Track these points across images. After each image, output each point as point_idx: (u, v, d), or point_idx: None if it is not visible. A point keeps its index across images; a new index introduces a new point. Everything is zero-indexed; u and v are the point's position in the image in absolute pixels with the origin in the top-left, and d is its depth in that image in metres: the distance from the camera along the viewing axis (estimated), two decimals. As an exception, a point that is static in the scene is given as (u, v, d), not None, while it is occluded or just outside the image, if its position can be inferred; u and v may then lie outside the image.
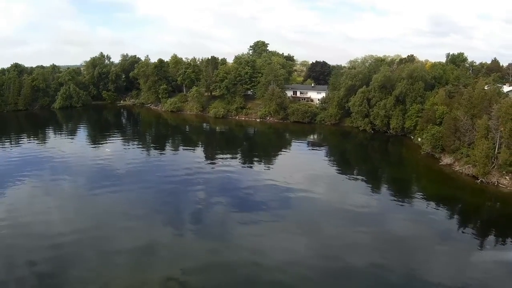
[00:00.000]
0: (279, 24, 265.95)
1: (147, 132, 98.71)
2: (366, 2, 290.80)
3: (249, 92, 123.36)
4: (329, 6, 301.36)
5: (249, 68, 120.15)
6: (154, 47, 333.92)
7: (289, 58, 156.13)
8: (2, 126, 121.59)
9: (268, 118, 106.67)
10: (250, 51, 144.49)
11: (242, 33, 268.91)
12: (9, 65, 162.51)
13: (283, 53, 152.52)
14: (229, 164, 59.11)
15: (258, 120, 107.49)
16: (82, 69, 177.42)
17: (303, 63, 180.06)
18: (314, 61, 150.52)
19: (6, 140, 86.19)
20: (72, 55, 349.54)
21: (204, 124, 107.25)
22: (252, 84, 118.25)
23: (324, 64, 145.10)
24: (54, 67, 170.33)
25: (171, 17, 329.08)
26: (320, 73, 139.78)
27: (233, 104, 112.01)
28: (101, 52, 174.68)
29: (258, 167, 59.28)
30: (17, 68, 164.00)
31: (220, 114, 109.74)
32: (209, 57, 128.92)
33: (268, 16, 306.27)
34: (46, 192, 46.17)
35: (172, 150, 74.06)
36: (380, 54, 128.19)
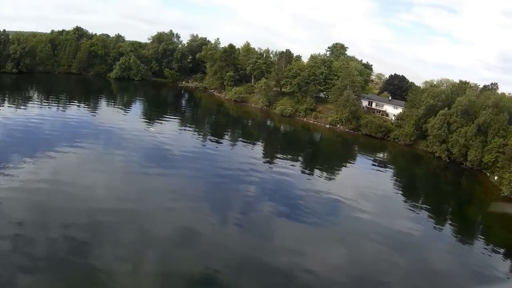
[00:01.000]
0: (355, 36, 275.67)
1: (206, 119, 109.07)
2: (442, 27, 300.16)
3: (321, 94, 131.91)
4: (404, 25, 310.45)
5: (325, 68, 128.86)
6: (224, 37, 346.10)
7: (367, 66, 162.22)
8: (54, 86, 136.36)
9: (338, 126, 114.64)
10: (328, 53, 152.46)
11: (316, 37, 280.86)
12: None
13: (361, 60, 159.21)
14: (287, 167, 62.55)
15: (327, 126, 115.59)
16: (147, 40, 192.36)
17: (379, 76, 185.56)
18: (392, 74, 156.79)
19: (55, 102, 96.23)
20: (140, 31, 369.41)
21: (268, 121, 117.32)
22: (326, 86, 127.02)
23: (402, 78, 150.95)
24: (118, 36, 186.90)
25: (245, 9, 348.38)
26: (397, 87, 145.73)
27: (303, 104, 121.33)
28: (171, 30, 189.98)
29: (317, 176, 62.24)
30: (78, 32, 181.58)
31: (287, 113, 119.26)
32: (284, 50, 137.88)
33: (344, 25, 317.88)
34: (96, 161, 50.59)
35: (230, 142, 78.97)
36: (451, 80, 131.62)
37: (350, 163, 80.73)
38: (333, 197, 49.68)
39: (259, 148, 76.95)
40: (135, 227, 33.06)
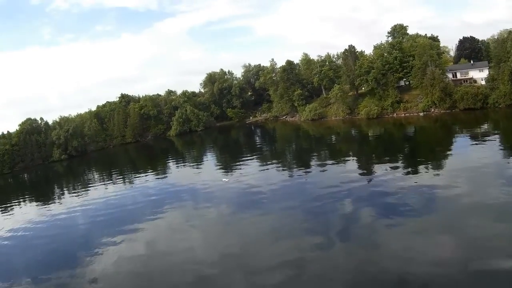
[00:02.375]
0: (400, 22, 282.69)
1: (287, 148, 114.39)
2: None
3: (401, 83, 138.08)
4: None
5: (397, 51, 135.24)
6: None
7: (434, 39, 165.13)
8: (113, 161, 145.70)
9: (432, 110, 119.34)
10: (389, 38, 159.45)
11: (364, 36, 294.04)
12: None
13: (425, 34, 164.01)
14: (386, 173, 63.39)
15: (421, 114, 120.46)
16: (200, 88, 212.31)
17: (443, 49, 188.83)
18: (461, 38, 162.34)
19: (120, 177, 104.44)
20: (192, 84, 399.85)
21: (354, 129, 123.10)
22: (405, 71, 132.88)
23: (473, 39, 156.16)
24: (169, 92, 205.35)
25: (291, 33, 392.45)
26: (471, 50, 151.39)
27: (387, 99, 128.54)
28: (221, 69, 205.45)
29: (420, 171, 62.24)
30: (124, 99, 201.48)
31: (373, 114, 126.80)
32: (346, 48, 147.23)
33: (388, 17, 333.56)
34: (186, 221, 55.08)
35: (319, 165, 79.33)
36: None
37: (454, 146, 79.96)
38: (439, 190, 50.30)
39: (351, 162, 78.93)
40: (243, 274, 36.29)
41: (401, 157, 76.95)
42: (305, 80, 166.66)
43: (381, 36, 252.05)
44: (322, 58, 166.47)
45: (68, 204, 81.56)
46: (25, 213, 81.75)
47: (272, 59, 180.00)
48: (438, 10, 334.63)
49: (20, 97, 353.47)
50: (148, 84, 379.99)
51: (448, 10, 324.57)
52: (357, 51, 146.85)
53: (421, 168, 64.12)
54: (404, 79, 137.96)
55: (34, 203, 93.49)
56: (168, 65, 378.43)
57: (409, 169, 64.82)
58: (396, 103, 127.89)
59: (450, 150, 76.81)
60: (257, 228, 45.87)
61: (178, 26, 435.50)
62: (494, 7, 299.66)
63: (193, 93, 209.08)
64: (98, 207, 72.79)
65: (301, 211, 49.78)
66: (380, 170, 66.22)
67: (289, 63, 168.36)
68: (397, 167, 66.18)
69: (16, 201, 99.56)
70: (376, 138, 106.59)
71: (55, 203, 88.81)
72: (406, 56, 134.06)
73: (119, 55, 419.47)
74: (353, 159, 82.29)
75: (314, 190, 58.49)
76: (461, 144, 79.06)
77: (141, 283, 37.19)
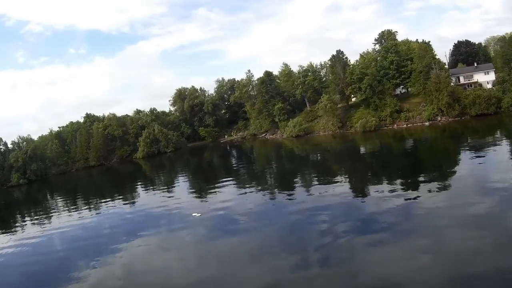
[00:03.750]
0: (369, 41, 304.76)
1: (266, 170, 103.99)
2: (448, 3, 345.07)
3: (398, 91, 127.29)
4: (412, 15, 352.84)
5: (394, 55, 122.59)
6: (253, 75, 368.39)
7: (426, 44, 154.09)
8: (76, 186, 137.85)
9: (439, 119, 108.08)
10: (377, 46, 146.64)
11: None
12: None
13: (416, 39, 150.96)
14: (384, 195, 56.51)
15: (426, 123, 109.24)
16: (169, 106, 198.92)
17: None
18: (456, 42, 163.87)
19: (84, 204, 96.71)
20: (165, 107, 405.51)
21: (346, 145, 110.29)
22: (402, 77, 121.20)
23: (468, 43, 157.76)
24: (138, 112, 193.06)
25: (264, 54, 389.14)
26: (467, 54, 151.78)
27: (385, 108, 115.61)
28: (192, 86, 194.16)
29: (422, 192, 55.31)
30: (89, 119, 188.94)
31: (371, 126, 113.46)
32: (333, 54, 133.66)
33: (359, 36, 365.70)
34: (161, 245, 52.77)
35: (302, 187, 74.01)
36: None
37: (464, 160, 71.04)
38: (436, 213, 45.36)
39: (340, 183, 70.90)
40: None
41: (399, 176, 68.20)
42: (286, 93, 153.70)
43: (356, 54, 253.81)
44: (304, 68, 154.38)
45: (30, 233, 74.18)
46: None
47: (249, 71, 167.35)
48: (411, 27, 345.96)
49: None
50: (121, 107, 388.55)
51: (421, 27, 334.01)
52: (345, 57, 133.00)
53: (422, 188, 56.59)
54: (401, 87, 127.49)
55: None
56: (141, 88, 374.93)
57: (407, 190, 57.40)
58: (395, 113, 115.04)
59: (459, 165, 69.29)
60: (234, 251, 45.09)
61: (150, 49, 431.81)
62: (468, 21, 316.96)
63: (163, 112, 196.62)
64: (64, 236, 67.19)
65: (280, 234, 48.08)
66: (373, 191, 60.42)
67: (268, 74, 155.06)
68: (393, 189, 58.93)
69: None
70: (373, 154, 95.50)
71: (15, 231, 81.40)
72: (403, 60, 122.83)
73: (91, 78, 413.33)
74: (343, 179, 74.31)
75: (295, 213, 54.76)
76: (473, 158, 70.08)
77: None
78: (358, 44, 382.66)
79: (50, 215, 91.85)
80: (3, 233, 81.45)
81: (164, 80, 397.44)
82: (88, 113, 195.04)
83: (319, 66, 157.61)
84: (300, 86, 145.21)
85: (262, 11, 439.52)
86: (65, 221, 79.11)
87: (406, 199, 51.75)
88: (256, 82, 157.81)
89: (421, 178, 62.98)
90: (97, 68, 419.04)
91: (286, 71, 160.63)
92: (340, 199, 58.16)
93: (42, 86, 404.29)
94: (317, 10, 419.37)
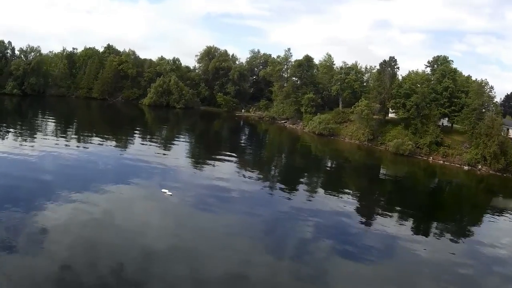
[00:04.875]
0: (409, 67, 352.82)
1: (275, 159, 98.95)
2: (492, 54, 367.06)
3: (441, 121, 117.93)
4: (457, 55, 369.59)
5: (450, 81, 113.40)
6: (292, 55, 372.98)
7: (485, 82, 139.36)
8: (70, 113, 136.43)
9: (479, 167, 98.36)
10: (428, 69, 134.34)
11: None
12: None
13: (469, 75, 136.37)
14: (384, 224, 54.44)
15: (465, 167, 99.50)
16: (195, 61, 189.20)
17: None
18: (509, 93, 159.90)
19: (73, 134, 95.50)
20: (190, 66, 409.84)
21: (370, 162, 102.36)
22: (452, 108, 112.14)
23: None
24: (161, 59, 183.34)
25: (304, 47, 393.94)
26: None
27: (425, 136, 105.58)
28: (225, 49, 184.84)
29: (434, 240, 53.11)
30: (109, 51, 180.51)
31: (405, 150, 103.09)
32: (385, 59, 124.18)
33: (399, 59, 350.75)
34: (146, 199, 52.48)
35: (306, 190, 70.63)
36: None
37: (488, 221, 64.19)
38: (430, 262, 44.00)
39: (349, 200, 66.65)
40: (187, 267, 35.46)
41: (411, 213, 63.19)
42: (321, 85, 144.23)
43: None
44: (348, 65, 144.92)
45: (10, 146, 73.03)
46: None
47: (288, 49, 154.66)
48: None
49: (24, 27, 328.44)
50: (147, 53, 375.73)
51: (462, 70, 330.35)
52: (397, 66, 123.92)
53: (429, 234, 55.15)
54: (447, 119, 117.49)
55: None
56: (173, 42, 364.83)
57: (412, 231, 54.55)
58: (435, 144, 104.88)
59: (479, 226, 62.27)
60: (214, 227, 45.26)
61: (196, 6, 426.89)
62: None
63: (186, 67, 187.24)
64: (45, 158, 67.00)
65: (262, 226, 48.37)
66: (376, 218, 57.74)
67: (308, 58, 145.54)
68: (398, 224, 56.13)
69: None
70: (395, 180, 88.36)
71: (3, 140, 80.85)
72: (458, 91, 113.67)
73: (130, 18, 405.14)
74: (351, 196, 70.02)
75: (285, 211, 54.54)
76: (498, 223, 63.64)
77: (85, 252, 35.39)
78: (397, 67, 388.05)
79: (35, 134, 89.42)
80: None
81: (199, 42, 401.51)
82: (111, 45, 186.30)
83: (364, 69, 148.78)
84: (339, 83, 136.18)
85: (313, 4, 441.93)
86: (49, 144, 76.35)
87: (405, 240, 48.90)
88: (293, 63, 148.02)
89: (433, 225, 59.69)
90: (138, 10, 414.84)
91: (328, 63, 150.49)
92: (338, 214, 56.35)
93: (79, 12, 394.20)
94: (366, 20, 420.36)
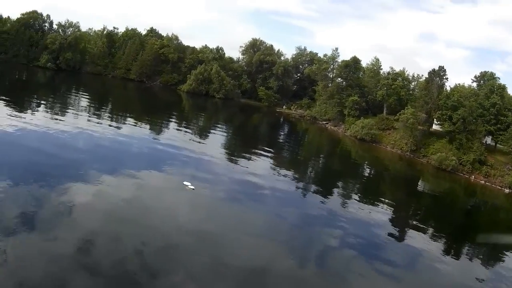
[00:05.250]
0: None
1: (312, 160, 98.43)
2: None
3: (486, 140, 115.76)
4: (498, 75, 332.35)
5: (498, 98, 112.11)
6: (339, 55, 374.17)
7: None
8: (103, 92, 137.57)
9: None
10: (474, 84, 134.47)
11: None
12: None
13: None
14: (420, 240, 54.43)
15: (506, 190, 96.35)
16: (239, 52, 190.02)
17: None
18: None
19: (106, 114, 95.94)
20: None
21: (410, 173, 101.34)
22: (498, 126, 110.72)
23: None
24: (205, 47, 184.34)
25: (348, 52, 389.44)
26: None
27: (469, 153, 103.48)
28: (271, 44, 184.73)
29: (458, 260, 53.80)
30: (152, 34, 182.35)
31: (448, 165, 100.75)
32: (434, 69, 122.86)
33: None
34: (178, 187, 52.13)
35: (341, 194, 70.71)
36: None
37: None
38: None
39: (381, 209, 65.81)
40: (208, 259, 35.49)
41: (449, 231, 63.25)
42: (366, 89, 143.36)
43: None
44: (395, 72, 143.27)
45: (48, 121, 73.86)
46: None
47: (336, 49, 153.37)
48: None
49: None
50: (192, 43, 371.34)
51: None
52: (446, 77, 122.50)
53: (463, 254, 55.92)
54: (491, 137, 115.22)
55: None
56: (219, 35, 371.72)
57: (446, 249, 54.08)
58: (478, 163, 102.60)
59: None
60: (241, 224, 46.06)
61: (246, 1, 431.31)
62: None
63: (230, 58, 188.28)
64: (76, 136, 67.55)
65: (293, 228, 48.53)
66: (412, 234, 56.92)
67: (355, 60, 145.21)
68: (434, 240, 56.09)
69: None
70: (434, 196, 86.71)
71: (25, 114, 78.90)
72: (505, 109, 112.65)
73: (176, 7, 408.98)
74: (387, 207, 67.99)
75: (319, 216, 55.06)
76: None
77: (110, 229, 36.83)
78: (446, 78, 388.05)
79: (68, 109, 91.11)
80: (14, 110, 78.19)
81: (245, 36, 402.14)
82: (154, 28, 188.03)
83: (410, 77, 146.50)
84: (385, 88, 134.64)
85: (361, 9, 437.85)
86: (82, 121, 77.97)
87: (433, 259, 47.92)
88: (340, 64, 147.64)
89: (466, 246, 59.48)
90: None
91: (375, 67, 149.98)
92: (369, 223, 55.95)
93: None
94: (413, 31, 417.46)
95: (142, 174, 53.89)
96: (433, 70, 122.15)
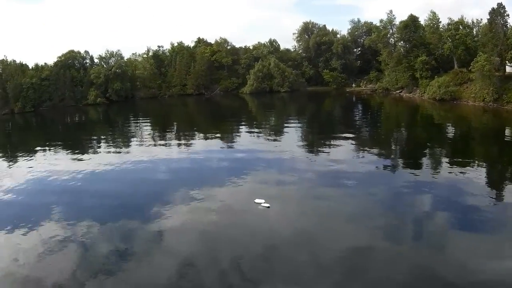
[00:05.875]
0: None
1: (394, 135, 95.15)
2: None
3: None
4: None
5: None
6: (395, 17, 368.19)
7: None
8: (162, 114, 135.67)
9: None
10: None
11: None
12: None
13: None
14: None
15: None
16: (293, 40, 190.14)
17: None
18: None
19: (176, 135, 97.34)
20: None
21: (498, 126, 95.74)
22: None
23: None
24: (258, 44, 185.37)
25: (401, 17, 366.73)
26: None
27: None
28: (324, 25, 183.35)
29: None
30: (200, 44, 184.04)
31: None
32: (493, 7, 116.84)
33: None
34: (264, 188, 53.30)
35: (428, 163, 67.72)
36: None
37: None
38: None
39: (475, 170, 62.00)
40: (308, 256, 35.38)
41: None
42: (431, 46, 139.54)
43: None
44: (455, 21, 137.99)
45: (116, 156, 77.14)
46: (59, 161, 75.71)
47: (390, 11, 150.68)
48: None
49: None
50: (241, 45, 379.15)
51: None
52: (507, 14, 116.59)
53: None
54: None
55: (65, 150, 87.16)
56: (268, 31, 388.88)
57: None
58: None
59: None
60: (332, 213, 46.08)
61: None
62: None
63: (287, 50, 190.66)
64: (155, 163, 69.40)
65: (384, 206, 47.71)
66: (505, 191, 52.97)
67: (413, 19, 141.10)
68: None
69: (43, 147, 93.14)
70: None
71: (99, 152, 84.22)
72: None
73: (221, 14, 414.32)
74: (478, 167, 63.90)
75: (408, 187, 53.64)
76: None
77: (205, 249, 37.13)
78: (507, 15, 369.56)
79: (132, 139, 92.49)
80: (78, 154, 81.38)
81: (293, 27, 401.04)
82: (201, 38, 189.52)
83: (471, 23, 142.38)
84: (450, 40, 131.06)
85: None
86: (151, 148, 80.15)
87: None
88: (399, 26, 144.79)
89: None
90: (226, 5, 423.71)
91: (434, 21, 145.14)
92: (462, 186, 53.45)
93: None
94: None
95: (228, 185, 54.50)
96: (493, 9, 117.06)
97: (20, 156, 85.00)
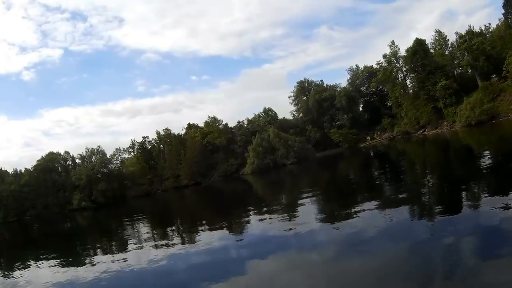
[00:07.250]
0: None
1: (423, 182, 78.79)
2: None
3: None
4: None
5: None
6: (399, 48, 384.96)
7: None
8: (156, 213, 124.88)
9: None
10: None
11: None
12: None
13: None
14: None
15: None
16: (289, 103, 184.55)
17: None
18: None
19: (173, 234, 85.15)
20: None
21: None
22: None
23: None
24: (253, 116, 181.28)
25: None
26: None
27: None
28: (321, 80, 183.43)
29: None
30: (191, 128, 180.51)
31: None
32: (506, 1, 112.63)
33: None
34: (296, 268, 43.73)
35: (469, 204, 51.00)
36: None
37: None
38: None
39: None
40: None
41: None
42: (447, 67, 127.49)
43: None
44: (463, 33, 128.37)
45: (120, 264, 59.06)
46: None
47: (392, 42, 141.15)
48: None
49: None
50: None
51: None
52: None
53: None
54: None
55: (55, 263, 68.24)
56: (263, 105, 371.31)
57: None
58: None
59: None
60: (362, 275, 35.63)
61: (275, 71, 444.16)
62: None
63: (285, 119, 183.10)
64: (164, 265, 54.62)
65: (415, 259, 35.48)
66: None
67: (420, 42, 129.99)
68: None
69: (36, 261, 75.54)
70: None
71: (84, 264, 64.21)
72: None
73: (217, 102, 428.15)
74: None
75: (448, 238, 37.69)
76: None
77: None
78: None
79: (129, 245, 78.65)
80: (73, 267, 67.67)
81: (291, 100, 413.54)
82: (192, 123, 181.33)
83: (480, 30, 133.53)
84: (466, 53, 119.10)
85: (383, 23, 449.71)
86: (156, 252, 65.91)
87: None
88: (405, 55, 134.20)
89: None
90: (220, 93, 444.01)
91: (441, 40, 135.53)
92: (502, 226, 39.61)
93: (163, 112, 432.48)
94: (433, 17, 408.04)
95: (253, 271, 41.05)
96: (506, 1, 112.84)
97: (15, 269, 72.34)
